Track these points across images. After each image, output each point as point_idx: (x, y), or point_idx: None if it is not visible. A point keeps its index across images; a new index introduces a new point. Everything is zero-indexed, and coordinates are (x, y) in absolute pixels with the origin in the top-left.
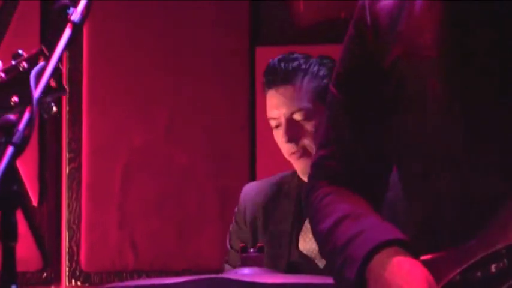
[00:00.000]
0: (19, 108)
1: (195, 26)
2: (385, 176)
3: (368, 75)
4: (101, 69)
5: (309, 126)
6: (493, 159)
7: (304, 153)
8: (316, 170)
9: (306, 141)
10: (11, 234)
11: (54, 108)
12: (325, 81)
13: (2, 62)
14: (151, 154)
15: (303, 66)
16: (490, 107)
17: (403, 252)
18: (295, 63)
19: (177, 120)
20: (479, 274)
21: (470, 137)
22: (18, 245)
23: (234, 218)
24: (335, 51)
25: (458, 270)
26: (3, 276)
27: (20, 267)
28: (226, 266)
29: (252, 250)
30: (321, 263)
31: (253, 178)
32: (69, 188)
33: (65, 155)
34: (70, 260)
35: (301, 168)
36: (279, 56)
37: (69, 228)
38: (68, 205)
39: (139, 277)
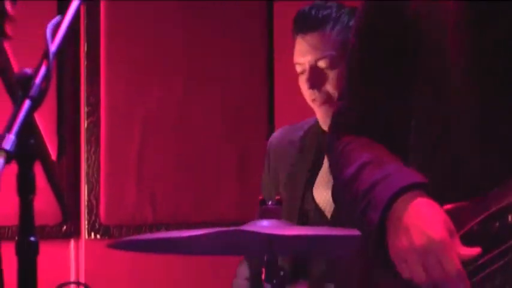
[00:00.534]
0: None
1: None
2: (406, 129)
3: (389, 25)
4: (120, 26)
5: (332, 74)
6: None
7: (326, 100)
8: (337, 120)
9: (329, 89)
10: (29, 188)
11: None
12: None
13: None
14: (169, 112)
15: (334, 15)
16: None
17: (425, 196)
18: (326, 12)
19: (194, 79)
20: (497, 224)
21: (491, 92)
22: (37, 199)
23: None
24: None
25: (476, 220)
26: (22, 229)
27: (39, 221)
28: None
29: (270, 203)
30: (329, 214)
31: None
32: (88, 142)
33: (83, 109)
34: (89, 213)
35: (321, 115)
36: (312, 3)
37: (88, 182)
38: (87, 159)
39: (158, 230)
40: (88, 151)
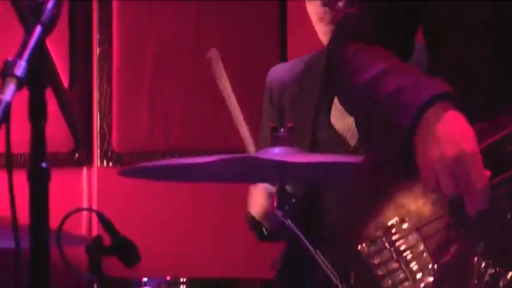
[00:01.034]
0: None
1: None
2: (412, 36)
3: None
4: None
5: None
6: None
7: (334, 17)
8: (341, 28)
9: (341, 4)
10: (40, 114)
11: None
12: None
13: None
14: (182, 39)
15: None
16: None
17: (455, 108)
18: None
19: (209, 6)
20: (508, 148)
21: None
22: (50, 127)
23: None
24: None
25: (489, 141)
26: (34, 155)
27: (52, 149)
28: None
29: (282, 130)
30: (352, 141)
31: None
32: (100, 69)
33: (96, 37)
34: (101, 141)
35: (327, 34)
36: None
37: (101, 110)
38: (99, 87)
39: (171, 158)
40: (100, 79)
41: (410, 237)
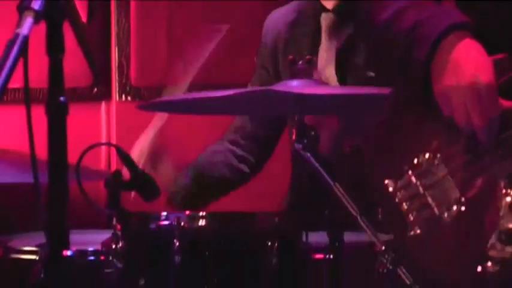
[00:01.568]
0: None
1: None
2: None
3: None
4: None
5: None
6: None
7: None
8: None
9: None
10: (58, 47)
11: None
12: None
13: None
14: None
15: None
16: None
17: (473, 38)
18: None
19: None
20: None
21: None
22: (68, 61)
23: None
24: None
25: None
26: (51, 89)
27: (70, 83)
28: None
29: (300, 62)
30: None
31: None
32: (118, 3)
33: None
34: (120, 75)
35: None
36: None
37: (119, 44)
38: (117, 21)
39: (189, 92)
40: (118, 13)
41: (437, 171)
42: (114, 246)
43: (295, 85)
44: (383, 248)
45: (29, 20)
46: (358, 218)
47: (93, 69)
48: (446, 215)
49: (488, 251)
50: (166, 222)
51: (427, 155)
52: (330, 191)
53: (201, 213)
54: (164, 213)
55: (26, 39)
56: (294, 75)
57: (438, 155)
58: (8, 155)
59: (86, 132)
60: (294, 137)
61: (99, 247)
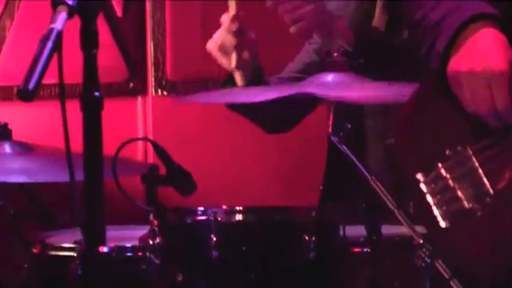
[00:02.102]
0: None
1: None
2: None
3: None
4: None
5: None
6: None
7: None
8: None
9: None
10: (92, 41)
11: None
12: None
13: None
14: None
15: None
16: None
17: (497, 28)
18: None
19: None
20: None
21: None
22: (104, 56)
23: None
24: None
25: None
26: (86, 84)
27: (106, 78)
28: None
29: (336, 54)
30: None
31: None
32: None
33: None
34: (156, 70)
35: None
36: None
37: (154, 38)
38: (152, 15)
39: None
40: (153, 6)
41: (467, 163)
42: (151, 242)
43: (331, 82)
44: (421, 241)
45: (62, 15)
46: (396, 211)
47: (128, 64)
48: (476, 208)
49: None
50: (203, 217)
51: (457, 148)
52: (366, 184)
53: (237, 208)
54: (201, 208)
55: (60, 34)
56: (329, 68)
57: (468, 148)
58: (45, 152)
59: (122, 127)
60: (330, 129)
61: (136, 243)
